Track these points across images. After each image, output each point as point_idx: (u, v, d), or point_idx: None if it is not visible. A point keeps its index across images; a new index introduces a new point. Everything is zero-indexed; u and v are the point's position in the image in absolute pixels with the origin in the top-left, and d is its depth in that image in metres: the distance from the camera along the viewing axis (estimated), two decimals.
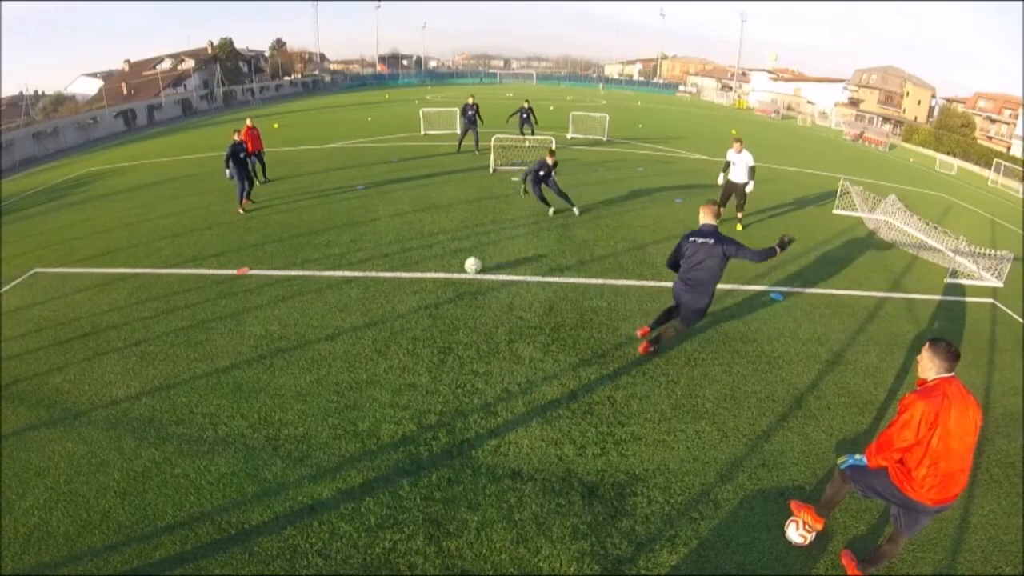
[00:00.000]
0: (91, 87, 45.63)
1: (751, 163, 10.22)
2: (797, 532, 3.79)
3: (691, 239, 5.34)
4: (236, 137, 11.06)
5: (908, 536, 3.36)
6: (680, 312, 5.71)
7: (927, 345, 3.15)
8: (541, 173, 10.34)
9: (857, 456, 3.45)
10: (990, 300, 8.64)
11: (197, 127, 28.34)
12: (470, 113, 16.20)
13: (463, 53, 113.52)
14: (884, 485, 3.24)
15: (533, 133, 17.89)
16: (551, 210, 10.84)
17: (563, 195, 10.77)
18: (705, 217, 5.37)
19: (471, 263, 7.94)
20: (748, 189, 10.45)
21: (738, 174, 10.39)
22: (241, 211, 10.93)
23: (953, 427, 2.99)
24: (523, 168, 14.62)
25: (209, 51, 48.69)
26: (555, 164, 10.42)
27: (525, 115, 18.22)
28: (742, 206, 10.77)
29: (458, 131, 17.48)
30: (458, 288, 7.54)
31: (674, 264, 5.60)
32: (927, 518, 3.26)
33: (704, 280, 5.33)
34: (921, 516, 3.23)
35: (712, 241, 5.22)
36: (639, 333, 6.25)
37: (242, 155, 10.94)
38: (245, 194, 11.06)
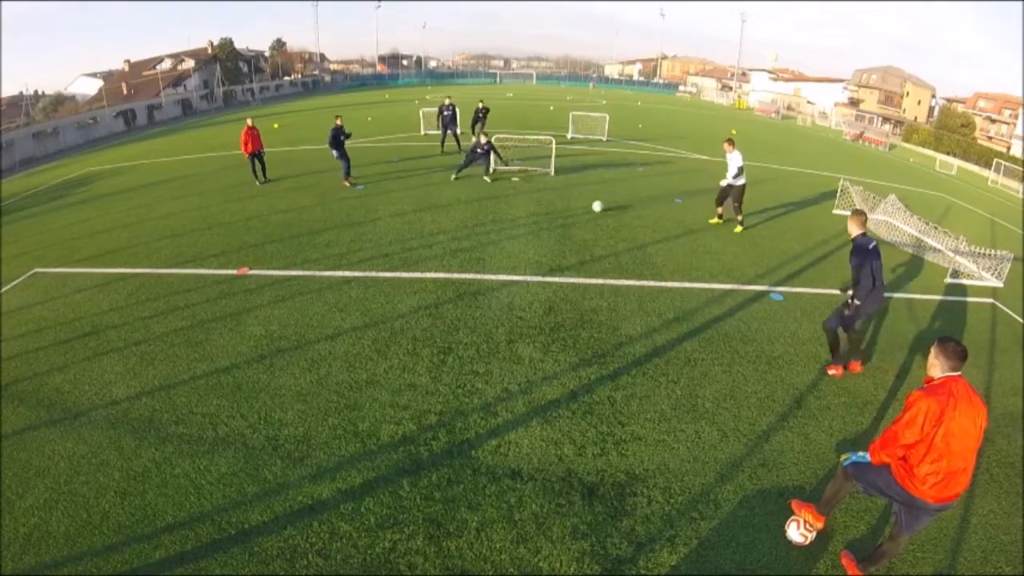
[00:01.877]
0: (91, 87, 45.64)
1: (739, 163, 10.11)
2: (798, 531, 3.79)
3: (871, 247, 5.40)
4: (338, 122, 12.62)
5: (908, 535, 3.36)
6: (859, 324, 5.80)
7: (935, 343, 3.16)
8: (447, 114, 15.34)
9: (860, 453, 3.47)
10: (990, 300, 8.64)
11: (197, 127, 28.32)
12: (447, 114, 16.58)
13: (463, 53, 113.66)
14: (887, 482, 3.24)
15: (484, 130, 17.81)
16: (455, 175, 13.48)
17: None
18: (860, 228, 5.53)
19: (597, 205, 11.06)
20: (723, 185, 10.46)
21: (729, 175, 10.34)
22: (347, 184, 12.85)
23: (956, 427, 2.99)
24: (523, 168, 14.66)
25: (209, 51, 48.67)
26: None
27: (482, 114, 18.20)
28: (737, 208, 10.61)
29: (439, 131, 17.52)
30: (458, 288, 7.53)
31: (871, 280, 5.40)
32: (928, 516, 3.26)
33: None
34: (922, 514, 3.23)
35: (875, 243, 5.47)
36: (835, 373, 5.98)
37: (342, 137, 12.52)
38: (347, 172, 12.91)
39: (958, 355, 3.07)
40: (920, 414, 3.01)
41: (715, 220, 11.00)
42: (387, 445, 4.60)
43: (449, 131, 16.86)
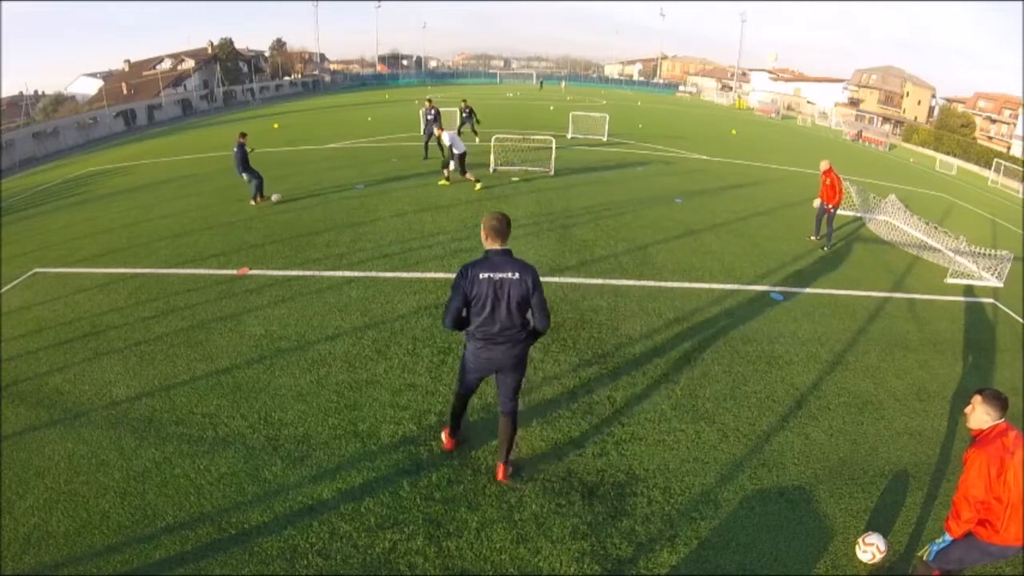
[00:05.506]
0: (91, 87, 45.67)
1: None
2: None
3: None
4: (241, 139, 11.40)
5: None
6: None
7: (979, 398, 3.19)
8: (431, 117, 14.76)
9: (938, 541, 3.29)
10: (990, 300, 8.65)
11: (197, 127, 28.34)
12: (429, 117, 15.26)
13: (463, 53, 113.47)
14: (980, 548, 3.17)
15: (476, 133, 17.78)
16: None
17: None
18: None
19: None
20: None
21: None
22: (260, 201, 11.59)
23: (1015, 474, 3.00)
24: (523, 168, 14.65)
25: (209, 51, 48.67)
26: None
27: (466, 114, 18.32)
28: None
29: (422, 132, 16.27)
30: None
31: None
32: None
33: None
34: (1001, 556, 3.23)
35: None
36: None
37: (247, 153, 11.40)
38: (259, 189, 11.64)
39: (1002, 403, 3.14)
40: (983, 468, 3.02)
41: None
42: (387, 445, 4.60)
43: (432, 135, 15.31)
